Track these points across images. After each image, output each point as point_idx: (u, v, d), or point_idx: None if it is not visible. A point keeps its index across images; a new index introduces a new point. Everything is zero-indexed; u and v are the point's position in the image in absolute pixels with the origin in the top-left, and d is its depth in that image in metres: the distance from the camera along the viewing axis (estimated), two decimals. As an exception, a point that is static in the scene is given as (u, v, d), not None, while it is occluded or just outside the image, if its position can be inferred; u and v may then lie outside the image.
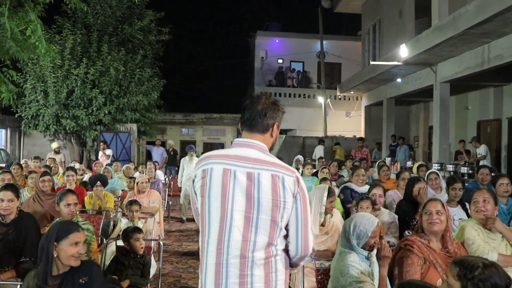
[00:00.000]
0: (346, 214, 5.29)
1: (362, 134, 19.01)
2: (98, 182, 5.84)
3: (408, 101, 17.32)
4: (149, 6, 17.17)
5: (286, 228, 2.13)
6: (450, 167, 10.09)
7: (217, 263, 2.09)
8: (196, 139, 23.48)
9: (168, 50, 19.59)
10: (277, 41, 24.22)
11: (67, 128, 14.74)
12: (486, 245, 3.36)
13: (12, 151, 17.17)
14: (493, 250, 3.29)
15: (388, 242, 4.32)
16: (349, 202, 5.55)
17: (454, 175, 5.02)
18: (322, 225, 4.29)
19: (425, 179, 6.17)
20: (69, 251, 2.65)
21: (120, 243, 4.05)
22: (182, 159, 10.36)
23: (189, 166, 10.05)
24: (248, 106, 2.23)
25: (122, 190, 7.46)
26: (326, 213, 4.27)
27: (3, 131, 16.98)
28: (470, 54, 10.53)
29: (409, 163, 12.07)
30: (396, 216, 4.49)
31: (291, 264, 2.22)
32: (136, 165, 11.10)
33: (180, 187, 10.21)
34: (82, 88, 14.57)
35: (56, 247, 2.64)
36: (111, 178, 7.98)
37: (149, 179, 6.33)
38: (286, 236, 2.14)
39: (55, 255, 2.63)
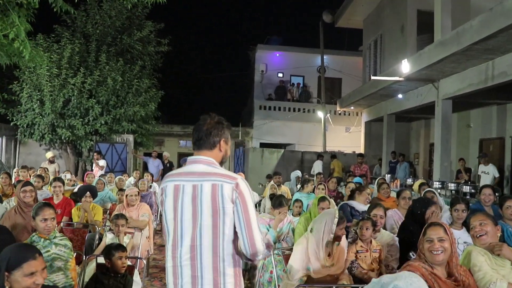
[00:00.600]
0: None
1: (361, 150, 18.77)
2: (88, 193, 5.58)
3: (408, 117, 17.13)
4: (148, 17, 17.08)
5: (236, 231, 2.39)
6: (451, 186, 9.81)
7: (174, 265, 2.41)
8: (194, 152, 23.20)
9: (167, 62, 19.45)
10: (277, 55, 24.08)
11: (62, 137, 14.50)
12: (494, 273, 3.08)
13: (8, 160, 16.88)
14: (502, 279, 3.01)
15: (387, 266, 4.08)
16: (349, 220, 5.28)
17: (458, 196, 4.74)
18: (329, 255, 3.93)
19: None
20: (24, 283, 2.28)
21: (102, 260, 3.78)
22: (177, 172, 10.11)
23: (184, 179, 9.79)
24: (195, 128, 2.58)
25: (112, 203, 7.20)
26: (334, 241, 3.91)
27: (-2, 139, 16.71)
28: (474, 71, 10.33)
29: (409, 181, 11.80)
30: (397, 238, 4.24)
31: (250, 260, 2.44)
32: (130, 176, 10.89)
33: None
34: (79, 98, 14.36)
35: (8, 278, 2.26)
36: (103, 190, 7.72)
37: (138, 192, 6.06)
38: (235, 240, 2.39)
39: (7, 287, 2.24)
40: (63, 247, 3.46)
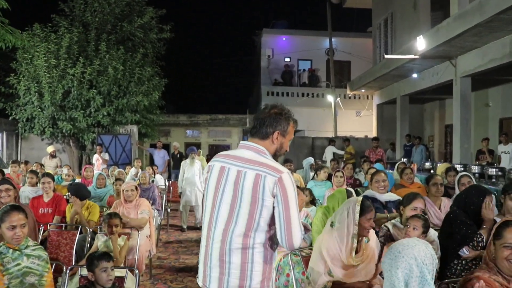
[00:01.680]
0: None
1: (373, 134, 18.11)
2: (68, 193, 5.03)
3: (422, 99, 16.44)
4: (149, 3, 16.50)
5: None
6: (475, 169, 9.14)
7: (206, 245, 2.42)
8: (201, 141, 22.69)
9: (171, 49, 18.84)
10: (283, 39, 23.34)
11: (64, 130, 14.00)
12: None
13: (10, 156, 16.44)
14: None
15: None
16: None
17: None
18: (356, 251, 3.32)
19: (456, 184, 5.33)
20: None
21: (85, 271, 3.21)
22: (183, 162, 9.56)
23: (190, 170, 9.27)
24: (254, 116, 2.54)
25: (110, 195, 6.65)
26: (360, 236, 3.29)
27: (-1, 134, 16.25)
28: (497, 45, 9.61)
29: (427, 164, 11.15)
30: (436, 233, 3.62)
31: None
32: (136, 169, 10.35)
33: (181, 193, 9.39)
34: (79, 89, 13.83)
35: None
36: (105, 186, 7.16)
37: (136, 187, 5.48)
38: (270, 231, 2.34)
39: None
40: (36, 259, 2.90)
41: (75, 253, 4.30)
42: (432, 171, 10.75)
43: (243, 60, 29.06)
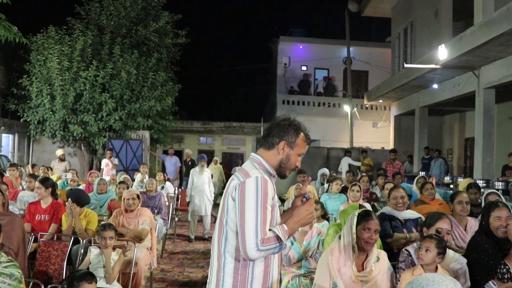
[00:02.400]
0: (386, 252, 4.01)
1: (390, 145, 17.66)
2: (69, 199, 4.73)
3: (442, 111, 15.95)
4: (165, 7, 16.28)
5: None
6: (499, 185, 8.68)
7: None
8: (215, 149, 22.41)
9: (186, 55, 18.64)
10: (300, 47, 23.02)
11: (74, 134, 13.81)
12: None
13: (21, 158, 16.34)
14: None
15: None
16: (389, 235, 4.26)
17: None
18: (363, 267, 3.06)
19: (483, 202, 4.92)
20: None
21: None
22: (192, 170, 9.25)
23: (199, 178, 8.96)
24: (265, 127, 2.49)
25: (111, 199, 6.35)
26: (361, 249, 3.06)
27: (11, 136, 16.12)
28: (523, 55, 9.19)
29: (447, 179, 10.71)
30: (465, 261, 3.22)
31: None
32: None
33: (189, 201, 9.08)
34: (91, 92, 13.65)
35: None
36: (106, 192, 6.86)
37: (138, 195, 5.16)
38: (237, 241, 2.20)
39: None
40: (8, 278, 2.57)
41: (67, 266, 3.99)
42: (451, 185, 10.32)
43: (259, 67, 28.78)
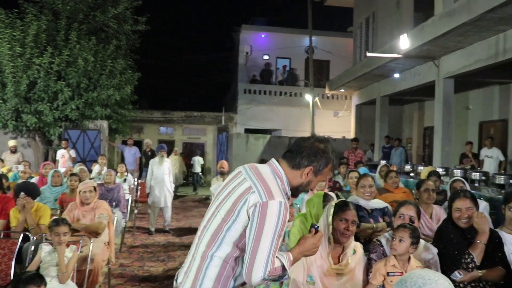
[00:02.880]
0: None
1: (351, 135, 17.82)
2: (22, 193, 4.43)
3: (402, 100, 16.17)
4: (125, -8, 15.73)
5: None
6: (457, 172, 8.81)
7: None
8: (175, 139, 22.00)
9: (146, 42, 18.12)
10: (262, 36, 22.87)
11: (28, 124, 13.19)
12: None
13: (-29, 150, 15.56)
14: None
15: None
16: (357, 225, 4.18)
17: None
18: (339, 260, 2.97)
19: (448, 190, 4.93)
20: None
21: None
22: (151, 160, 8.98)
23: (159, 168, 8.70)
24: (296, 141, 2.29)
25: (62, 193, 6.02)
26: (337, 241, 2.97)
27: (-41, 127, 15.32)
28: (482, 45, 9.31)
29: (407, 167, 10.82)
30: (436, 250, 3.16)
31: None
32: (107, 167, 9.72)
33: (148, 193, 8.82)
34: (46, 80, 13.02)
35: None
36: (61, 185, 6.53)
37: (95, 187, 4.90)
38: (235, 251, 2.11)
39: None
40: None
41: (16, 265, 3.71)
42: (412, 174, 10.44)
43: (221, 56, 28.44)
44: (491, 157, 10.66)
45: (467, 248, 3.13)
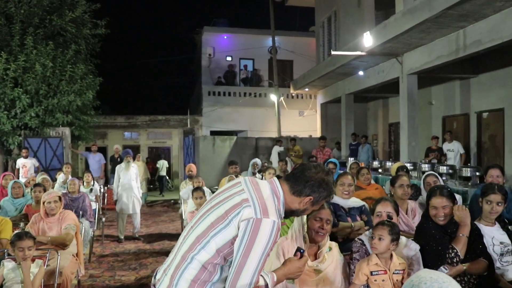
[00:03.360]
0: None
1: (318, 133, 17.90)
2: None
3: (366, 98, 16.37)
4: (82, -5, 15.32)
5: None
6: (425, 167, 8.93)
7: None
8: (140, 143, 21.61)
9: (106, 46, 17.73)
10: (225, 37, 22.73)
11: (-16, 133, 12.68)
12: None
13: None
14: None
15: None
16: (334, 224, 4.12)
17: (492, 183, 3.71)
18: (315, 257, 2.96)
19: (422, 184, 4.95)
20: None
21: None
22: (118, 167, 8.74)
23: (125, 174, 8.48)
24: (302, 166, 2.29)
25: (27, 204, 5.76)
26: (312, 241, 2.98)
27: None
28: (443, 41, 9.48)
29: (375, 163, 10.92)
30: (418, 247, 3.13)
31: None
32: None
33: (116, 200, 8.57)
34: (2, 87, 12.56)
35: None
36: (23, 196, 6.24)
37: (60, 197, 4.68)
38: (217, 259, 2.07)
39: None
40: None
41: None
42: (380, 170, 10.54)
43: (184, 59, 28.12)
44: (452, 151, 10.92)
45: (450, 243, 3.11)
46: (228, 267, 2.09)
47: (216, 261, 2.07)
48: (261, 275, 2.09)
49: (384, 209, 3.26)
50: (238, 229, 2.03)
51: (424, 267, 3.01)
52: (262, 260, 2.01)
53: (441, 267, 2.98)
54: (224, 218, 2.07)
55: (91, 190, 8.63)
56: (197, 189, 5.79)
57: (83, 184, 8.48)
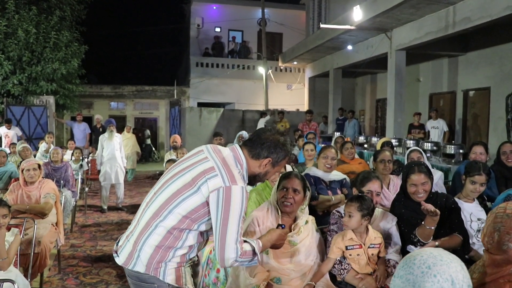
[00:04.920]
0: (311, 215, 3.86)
1: (305, 107, 17.85)
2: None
3: (354, 73, 16.31)
4: (66, -41, 14.91)
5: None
6: (410, 143, 8.96)
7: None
8: (127, 114, 21.38)
9: (93, 14, 17.36)
10: (214, 7, 22.36)
11: (-35, 100, 12.44)
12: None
13: None
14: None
15: (389, 261, 3.00)
16: (314, 197, 4.12)
17: (477, 162, 3.65)
18: (290, 230, 2.94)
19: (406, 160, 4.95)
20: None
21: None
22: (101, 136, 8.62)
23: (109, 144, 8.38)
24: (257, 131, 2.34)
25: (13, 179, 5.69)
26: (283, 212, 2.96)
27: None
28: (433, 18, 9.41)
29: (361, 138, 10.94)
30: (395, 219, 3.13)
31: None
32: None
33: (99, 170, 8.51)
34: (-17, 53, 12.28)
35: None
36: (4, 165, 6.15)
37: (39, 165, 4.61)
38: (183, 225, 2.11)
39: None
40: None
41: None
42: (366, 145, 10.57)
43: (172, 28, 27.65)
44: (436, 128, 10.95)
45: (416, 226, 3.03)
46: (195, 232, 2.14)
47: (182, 226, 2.10)
48: (247, 241, 2.15)
49: (374, 188, 3.22)
50: (208, 198, 2.06)
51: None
52: (240, 224, 2.07)
53: (409, 246, 2.99)
54: (192, 185, 2.09)
55: (81, 166, 8.58)
56: (169, 161, 5.75)
57: (72, 156, 8.37)
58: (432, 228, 2.91)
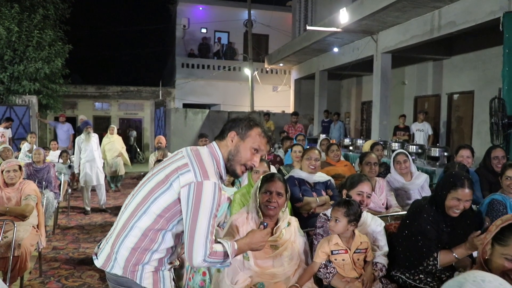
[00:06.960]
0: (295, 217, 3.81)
1: (291, 109, 17.87)
2: None
3: (340, 75, 16.36)
4: (50, -43, 14.71)
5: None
6: (395, 146, 9.01)
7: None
8: (111, 114, 21.18)
9: (77, 13, 17.17)
10: (200, 8, 22.29)
11: None
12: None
13: None
14: None
15: (376, 264, 2.98)
16: (298, 199, 4.10)
17: (463, 172, 3.58)
18: (272, 233, 2.89)
19: (392, 162, 4.95)
20: None
21: None
22: (77, 138, 8.46)
23: (87, 146, 8.24)
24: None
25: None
26: (265, 215, 2.91)
27: None
28: (418, 21, 9.47)
29: (347, 141, 10.97)
30: (383, 223, 3.11)
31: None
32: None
33: (78, 173, 8.37)
34: (-37, 52, 12.05)
35: None
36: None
37: (20, 166, 4.51)
38: (158, 225, 2.06)
39: None
40: None
41: None
42: (351, 147, 10.59)
43: (158, 29, 27.51)
44: (421, 131, 11.02)
45: (437, 247, 2.81)
46: (171, 234, 2.09)
47: (157, 227, 2.05)
48: (219, 241, 2.09)
49: (365, 190, 3.17)
50: (179, 193, 2.02)
51: (397, 251, 2.97)
52: (211, 221, 2.00)
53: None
54: (165, 182, 2.06)
55: (70, 167, 8.41)
56: (158, 161, 5.70)
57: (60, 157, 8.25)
58: (459, 258, 2.73)
